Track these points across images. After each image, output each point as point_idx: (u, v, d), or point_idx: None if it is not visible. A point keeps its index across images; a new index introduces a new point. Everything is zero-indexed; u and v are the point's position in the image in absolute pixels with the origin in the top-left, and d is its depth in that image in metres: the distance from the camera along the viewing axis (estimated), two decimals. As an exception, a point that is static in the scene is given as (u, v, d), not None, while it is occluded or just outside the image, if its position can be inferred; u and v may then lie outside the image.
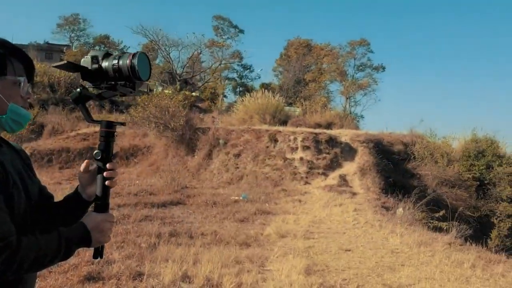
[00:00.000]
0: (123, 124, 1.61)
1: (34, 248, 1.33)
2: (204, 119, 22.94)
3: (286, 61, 45.79)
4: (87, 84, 1.55)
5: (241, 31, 46.44)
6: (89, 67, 1.52)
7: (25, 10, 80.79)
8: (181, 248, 6.63)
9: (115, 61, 1.49)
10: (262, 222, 9.44)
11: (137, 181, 13.99)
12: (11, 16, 79.35)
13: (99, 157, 1.54)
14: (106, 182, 1.55)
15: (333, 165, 15.02)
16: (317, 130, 17.04)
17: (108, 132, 1.56)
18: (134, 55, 1.49)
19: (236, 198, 11.92)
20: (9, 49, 1.46)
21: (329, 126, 20.79)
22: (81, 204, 1.63)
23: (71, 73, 28.46)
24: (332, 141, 15.64)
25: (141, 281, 5.16)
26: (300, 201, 12.11)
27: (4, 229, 1.30)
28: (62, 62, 1.47)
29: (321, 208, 11.12)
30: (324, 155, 15.21)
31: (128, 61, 1.48)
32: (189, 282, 5.28)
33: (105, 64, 1.51)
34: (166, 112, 17.21)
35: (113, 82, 1.52)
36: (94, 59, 1.52)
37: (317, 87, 40.55)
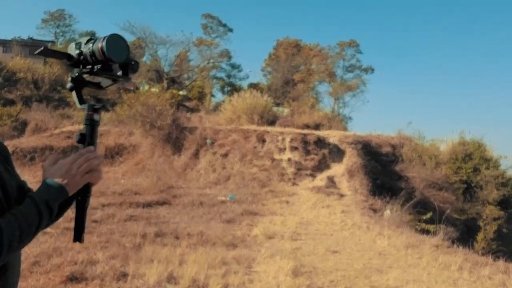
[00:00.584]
0: (103, 105, 1.57)
1: (16, 225, 1.26)
2: (191, 119, 22.77)
3: (275, 61, 45.66)
4: (75, 70, 1.56)
5: (230, 30, 46.24)
6: (73, 53, 1.53)
7: (9, 5, 79.63)
8: (166, 249, 6.53)
9: (90, 45, 1.51)
10: (249, 223, 9.37)
11: (122, 180, 13.82)
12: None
13: (77, 140, 1.50)
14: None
15: (321, 166, 15.00)
16: (306, 131, 17.02)
17: (92, 115, 1.54)
18: (105, 37, 1.50)
19: (223, 198, 11.83)
20: None
21: (317, 127, 20.84)
22: None
23: (55, 70, 28.18)
24: (320, 142, 15.62)
25: (125, 281, 5.07)
26: (287, 202, 12.06)
27: None
28: (40, 49, 1.47)
29: (308, 210, 11.08)
30: (312, 156, 15.18)
31: (99, 44, 1.48)
32: (175, 283, 5.20)
33: (84, 49, 1.53)
34: (153, 111, 17.04)
35: (90, 66, 1.53)
36: (77, 45, 1.54)
37: (306, 88, 40.53)
